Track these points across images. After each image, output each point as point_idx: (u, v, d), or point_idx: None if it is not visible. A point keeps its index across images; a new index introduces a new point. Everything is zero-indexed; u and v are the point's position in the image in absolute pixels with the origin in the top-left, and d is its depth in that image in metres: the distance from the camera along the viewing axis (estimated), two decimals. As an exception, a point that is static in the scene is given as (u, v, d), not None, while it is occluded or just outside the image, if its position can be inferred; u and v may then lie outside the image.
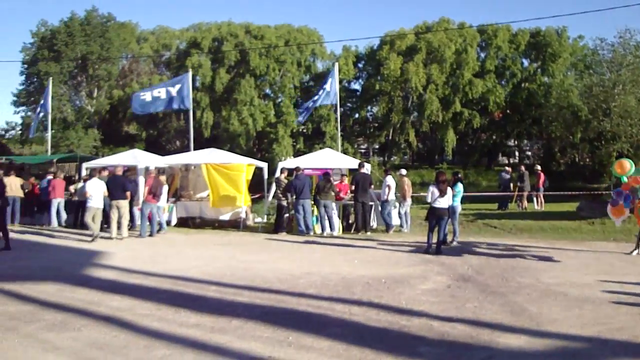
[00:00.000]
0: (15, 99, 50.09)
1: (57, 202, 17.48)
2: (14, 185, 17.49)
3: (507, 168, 23.51)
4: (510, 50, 43.59)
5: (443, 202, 11.83)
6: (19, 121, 52.65)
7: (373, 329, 6.19)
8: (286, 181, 16.07)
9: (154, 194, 14.89)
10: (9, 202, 15.18)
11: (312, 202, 15.65)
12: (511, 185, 21.31)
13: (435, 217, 11.90)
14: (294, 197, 15.39)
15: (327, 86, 21.26)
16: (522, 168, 21.84)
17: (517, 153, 52.02)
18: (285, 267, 10.23)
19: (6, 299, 7.73)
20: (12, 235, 13.28)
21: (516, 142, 49.83)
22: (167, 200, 16.61)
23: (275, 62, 42.81)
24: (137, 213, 16.08)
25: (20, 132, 51.90)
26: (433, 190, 11.87)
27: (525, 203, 20.60)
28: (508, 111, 44.93)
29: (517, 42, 43.46)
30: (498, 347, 5.54)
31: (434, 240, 11.80)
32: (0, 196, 12.99)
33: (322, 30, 78.95)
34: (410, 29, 45.20)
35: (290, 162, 18.02)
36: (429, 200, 12.16)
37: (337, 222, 15.98)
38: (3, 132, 58.03)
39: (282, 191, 15.90)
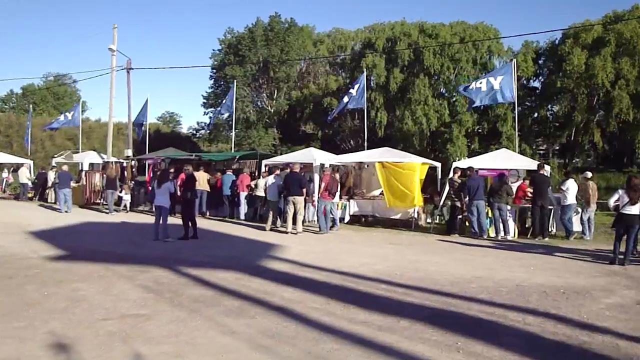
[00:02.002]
0: (204, 101, 54.53)
1: (244, 195, 18.65)
2: (202, 180, 19.01)
3: None
4: None
5: (634, 209, 10.75)
6: (208, 121, 57.32)
7: (549, 342, 5.79)
8: (460, 181, 15.69)
9: (330, 191, 15.32)
10: (197, 195, 16.56)
11: (487, 204, 15.14)
12: None
13: (623, 225, 10.87)
14: (468, 198, 14.99)
15: (496, 83, 19.73)
16: None
17: None
18: (456, 269, 9.98)
19: (193, 283, 8.42)
20: (199, 225, 14.41)
21: None
22: (341, 198, 17.00)
23: (449, 60, 41.93)
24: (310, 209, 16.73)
25: (208, 131, 56.45)
26: (622, 195, 10.83)
27: None
28: None
29: None
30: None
31: (622, 249, 10.79)
32: (191, 190, 14.19)
33: (499, 25, 75.79)
34: (597, 19, 41.61)
35: (464, 163, 17.54)
36: (610, 204, 11.15)
37: (513, 226, 15.27)
38: (194, 132, 63.61)
39: (455, 192, 15.54)
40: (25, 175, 26.51)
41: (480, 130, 43.87)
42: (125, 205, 21.65)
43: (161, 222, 13.55)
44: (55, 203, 22.85)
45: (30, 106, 45.27)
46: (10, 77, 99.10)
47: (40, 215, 19.28)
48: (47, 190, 25.38)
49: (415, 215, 16.78)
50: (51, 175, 24.41)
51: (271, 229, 15.59)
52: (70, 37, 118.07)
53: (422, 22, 45.72)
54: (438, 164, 19.18)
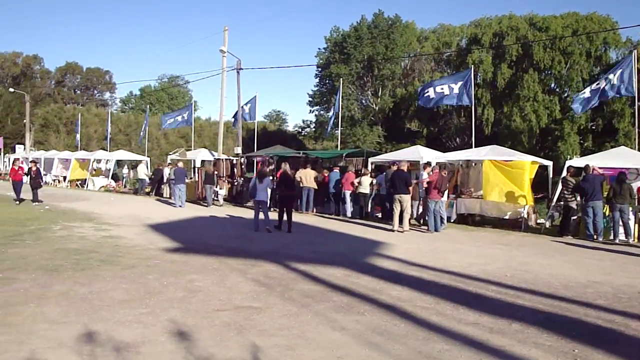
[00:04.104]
0: (310, 99, 55.40)
1: (348, 193, 18.82)
2: (309, 177, 19.39)
3: None
4: None
5: None
6: (313, 119, 58.17)
7: (680, 356, 5.43)
8: (574, 181, 15.01)
9: (439, 189, 15.17)
10: (298, 192, 17.02)
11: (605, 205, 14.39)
12: None
13: None
14: (583, 198, 14.33)
15: (614, 77, 18.40)
16: None
17: None
18: (570, 273, 9.60)
19: (302, 278, 8.62)
20: (308, 222, 14.75)
21: None
22: (448, 197, 16.76)
23: (561, 54, 39.93)
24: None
25: (314, 129, 57.28)
26: None
27: None
28: None
29: None
30: None
31: None
32: (281, 185, 15.02)
33: (616, 15, 71.11)
34: None
35: (578, 161, 16.74)
36: None
37: (634, 229, 14.42)
38: (300, 130, 64.84)
39: (569, 192, 14.90)
40: (143, 172, 28.16)
41: (594, 127, 41.46)
42: (219, 199, 23.09)
43: (261, 215, 14.52)
44: (170, 198, 24.12)
45: (147, 106, 47.87)
46: (130, 80, 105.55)
47: (157, 209, 20.43)
48: (162, 186, 26.81)
49: (525, 216, 16.23)
50: (167, 172, 25.76)
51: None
52: (183, 41, 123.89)
53: (531, 14, 43.99)
54: (549, 163, 18.39)
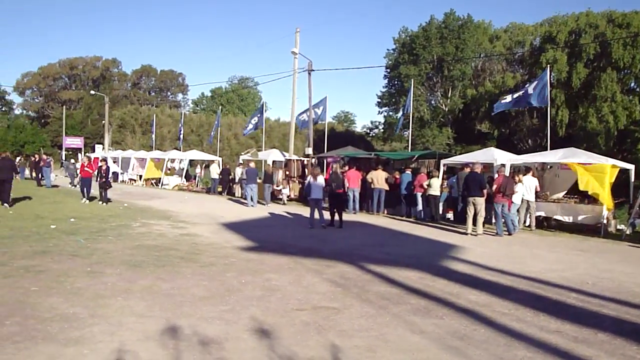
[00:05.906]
0: (378, 100, 55.33)
1: (419, 195, 18.69)
2: (380, 179, 19.39)
3: None
4: None
5: None
6: (382, 120, 58.08)
7: None
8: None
9: (504, 192, 14.82)
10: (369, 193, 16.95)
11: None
12: None
13: None
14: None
15: None
16: None
17: None
18: (657, 282, 9.21)
19: (378, 280, 8.63)
20: (379, 223, 14.76)
21: None
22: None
23: (642, 51, 38.36)
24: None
25: (382, 130, 57.17)
26: None
27: None
28: None
29: None
30: None
31: None
32: (330, 184, 15.91)
33: None
34: None
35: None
36: None
37: None
38: (368, 131, 64.91)
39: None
40: (216, 171, 28.87)
41: (677, 129, 39.60)
42: (282, 199, 23.92)
43: (317, 212, 15.49)
44: (242, 197, 24.63)
45: (219, 107, 48.95)
46: (201, 82, 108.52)
47: (230, 208, 20.89)
48: (234, 185, 27.40)
49: (605, 221, 15.64)
50: (239, 171, 26.31)
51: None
52: (254, 42, 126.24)
53: (610, 11, 42.35)
54: (631, 167, 17.60)
